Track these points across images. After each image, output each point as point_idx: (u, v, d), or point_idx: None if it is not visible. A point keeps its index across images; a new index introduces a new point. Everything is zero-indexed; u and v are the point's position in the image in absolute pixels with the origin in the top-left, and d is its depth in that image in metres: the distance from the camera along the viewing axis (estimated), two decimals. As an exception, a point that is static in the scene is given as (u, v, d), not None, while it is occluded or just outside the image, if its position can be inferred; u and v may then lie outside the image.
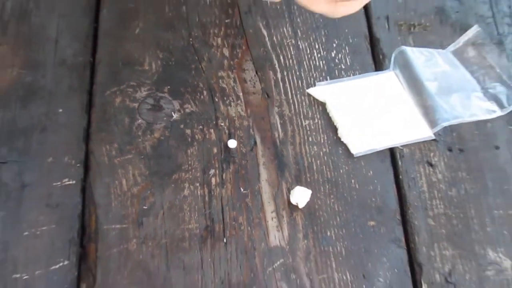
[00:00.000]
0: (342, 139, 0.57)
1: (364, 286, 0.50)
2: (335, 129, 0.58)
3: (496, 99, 0.60)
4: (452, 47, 0.63)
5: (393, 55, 0.62)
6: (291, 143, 0.57)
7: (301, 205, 0.53)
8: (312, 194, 0.54)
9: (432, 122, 0.58)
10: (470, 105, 0.60)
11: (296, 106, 0.59)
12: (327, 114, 0.59)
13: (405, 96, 0.60)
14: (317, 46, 0.63)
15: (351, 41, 0.63)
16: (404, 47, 0.62)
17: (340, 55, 0.62)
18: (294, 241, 0.52)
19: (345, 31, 0.64)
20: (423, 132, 0.58)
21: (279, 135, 0.57)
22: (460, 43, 0.63)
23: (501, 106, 0.60)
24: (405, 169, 0.57)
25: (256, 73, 0.61)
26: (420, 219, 0.54)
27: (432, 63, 0.62)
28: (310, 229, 0.53)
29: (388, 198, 0.55)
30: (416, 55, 0.62)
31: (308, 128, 0.58)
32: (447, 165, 0.57)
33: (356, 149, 0.57)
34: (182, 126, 0.57)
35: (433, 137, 0.58)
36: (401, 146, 0.57)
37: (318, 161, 0.56)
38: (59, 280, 0.49)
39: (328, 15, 0.52)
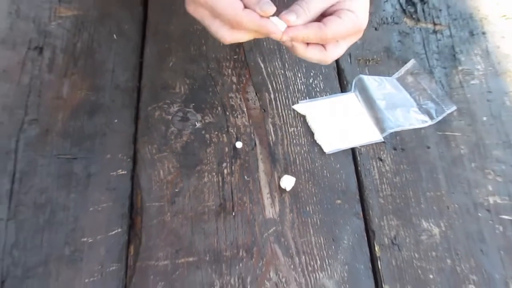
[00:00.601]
0: (317, 141, 0.57)
1: (333, 247, 0.51)
2: (312, 134, 0.58)
3: (428, 113, 0.60)
4: (396, 75, 0.64)
5: (354, 81, 0.62)
6: (280, 144, 0.57)
7: (288, 189, 0.54)
8: (296, 181, 0.54)
9: (381, 129, 0.58)
10: (409, 117, 0.60)
11: (285, 118, 0.59)
12: (307, 123, 0.59)
13: (362, 110, 0.60)
14: (299, 75, 0.63)
15: (323, 71, 0.64)
16: (361, 76, 0.62)
17: (316, 81, 0.63)
18: (283, 214, 0.52)
19: (319, 64, 0.64)
20: (375, 136, 0.58)
21: (272, 138, 0.58)
22: (401, 72, 0.64)
23: (431, 117, 0.60)
24: (363, 163, 0.57)
25: (256, 94, 0.61)
26: (373, 199, 0.54)
27: (382, 87, 0.62)
28: (294, 206, 0.53)
29: (350, 184, 0.55)
30: (370, 81, 0.62)
31: (293, 134, 0.58)
32: (392, 160, 0.57)
33: (328, 148, 0.57)
34: (203, 132, 0.57)
35: (383, 140, 0.58)
36: (360, 146, 0.58)
37: (300, 157, 0.56)
38: (114, 242, 0.49)
39: (321, 62, 0.48)
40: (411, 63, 0.64)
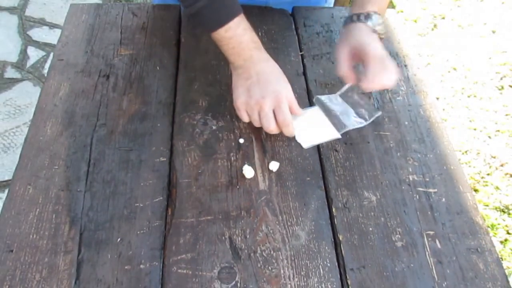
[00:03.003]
0: (297, 140, 0.56)
1: (304, 209, 0.50)
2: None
3: (363, 117, 0.59)
4: (339, 93, 0.61)
5: (314, 99, 0.61)
6: (269, 141, 0.56)
7: (274, 170, 0.52)
8: (279, 165, 0.53)
9: (338, 130, 0.57)
10: (351, 120, 0.58)
11: (272, 123, 0.58)
12: (287, 126, 0.57)
13: (324, 118, 0.59)
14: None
15: (297, 91, 0.62)
16: (317, 96, 0.60)
17: (293, 98, 0.61)
18: (271, 187, 0.51)
19: (294, 87, 0.61)
20: (334, 135, 0.57)
21: (263, 137, 0.56)
22: (342, 90, 0.61)
23: (365, 120, 0.58)
24: (324, 153, 0.56)
25: (253, 107, 0.59)
26: (331, 177, 0.53)
27: (332, 101, 0.60)
28: (278, 182, 0.52)
29: (316, 166, 0.54)
30: (324, 98, 0.60)
31: (277, 134, 0.56)
32: (344, 150, 0.56)
33: (305, 145, 0.55)
34: (217, 132, 0.56)
35: (340, 137, 0.57)
36: (323, 142, 0.56)
37: (282, 149, 0.55)
38: (158, 207, 0.48)
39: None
40: (348, 84, 0.61)
